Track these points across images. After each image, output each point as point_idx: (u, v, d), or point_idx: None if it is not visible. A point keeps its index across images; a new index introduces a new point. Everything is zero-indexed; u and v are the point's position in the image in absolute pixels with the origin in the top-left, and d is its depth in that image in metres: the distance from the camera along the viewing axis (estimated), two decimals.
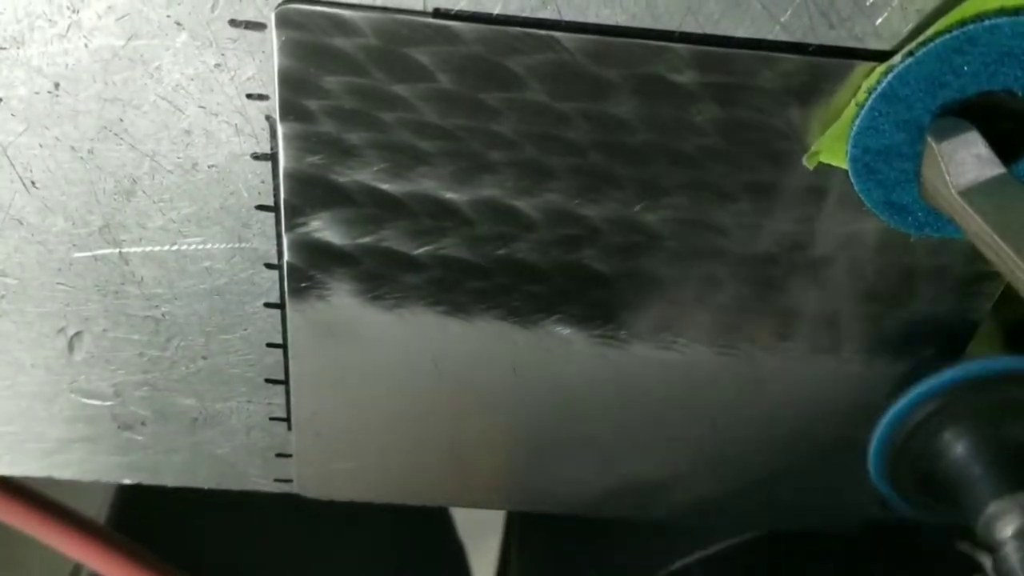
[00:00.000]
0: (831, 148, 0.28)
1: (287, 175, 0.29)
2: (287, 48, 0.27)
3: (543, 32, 0.26)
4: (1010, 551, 0.30)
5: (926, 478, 0.34)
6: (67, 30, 0.27)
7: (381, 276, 0.32)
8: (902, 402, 0.33)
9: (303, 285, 0.32)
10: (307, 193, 0.30)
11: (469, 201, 0.30)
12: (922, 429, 0.33)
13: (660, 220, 0.31)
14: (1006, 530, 0.30)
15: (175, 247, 0.32)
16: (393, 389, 0.36)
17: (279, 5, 0.26)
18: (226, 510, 0.45)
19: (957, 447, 0.33)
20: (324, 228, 0.31)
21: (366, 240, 0.31)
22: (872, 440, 0.34)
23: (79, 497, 0.45)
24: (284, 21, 0.26)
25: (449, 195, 0.30)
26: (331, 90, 0.28)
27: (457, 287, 0.32)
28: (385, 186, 0.30)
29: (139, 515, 0.51)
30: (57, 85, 0.28)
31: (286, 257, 0.32)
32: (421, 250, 0.31)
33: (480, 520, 0.53)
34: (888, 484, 0.35)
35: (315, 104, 0.28)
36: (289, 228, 0.31)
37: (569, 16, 0.26)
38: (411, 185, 0.30)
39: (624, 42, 0.27)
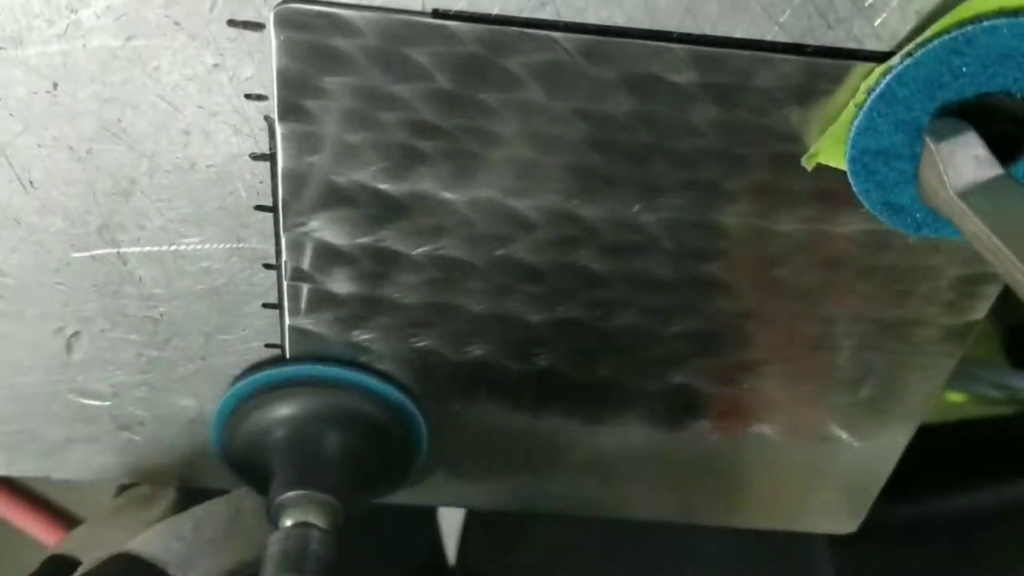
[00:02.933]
0: (830, 149, 0.28)
1: (285, 175, 0.29)
2: (286, 48, 0.27)
3: (541, 32, 0.26)
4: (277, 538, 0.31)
5: (252, 451, 0.36)
6: (65, 30, 0.27)
7: (379, 276, 0.32)
8: (251, 379, 0.35)
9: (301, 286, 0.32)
10: (305, 193, 0.30)
11: (467, 201, 0.30)
12: (261, 408, 0.35)
13: (658, 220, 0.31)
14: (286, 520, 0.32)
15: (173, 247, 0.32)
16: None
17: (278, 5, 0.26)
18: None
19: (278, 432, 0.35)
20: (323, 228, 0.31)
21: (365, 240, 0.31)
22: (217, 408, 0.36)
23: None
24: (283, 21, 0.26)
25: (447, 195, 0.30)
26: (330, 90, 0.28)
27: (455, 287, 0.32)
28: (383, 186, 0.30)
29: None
30: (55, 85, 0.28)
31: (285, 257, 0.31)
32: (419, 250, 0.31)
33: None
34: (224, 450, 0.37)
35: (314, 104, 0.28)
36: (288, 228, 0.31)
37: (567, 17, 0.26)
38: (409, 185, 0.30)
39: (622, 42, 0.27)
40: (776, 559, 0.46)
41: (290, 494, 0.32)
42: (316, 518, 0.32)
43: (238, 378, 0.35)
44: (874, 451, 0.38)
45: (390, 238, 0.31)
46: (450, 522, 0.58)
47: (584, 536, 0.46)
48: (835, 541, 0.43)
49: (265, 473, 0.34)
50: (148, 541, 0.33)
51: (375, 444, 0.35)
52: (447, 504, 0.41)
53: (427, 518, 0.58)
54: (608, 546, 0.46)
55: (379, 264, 0.32)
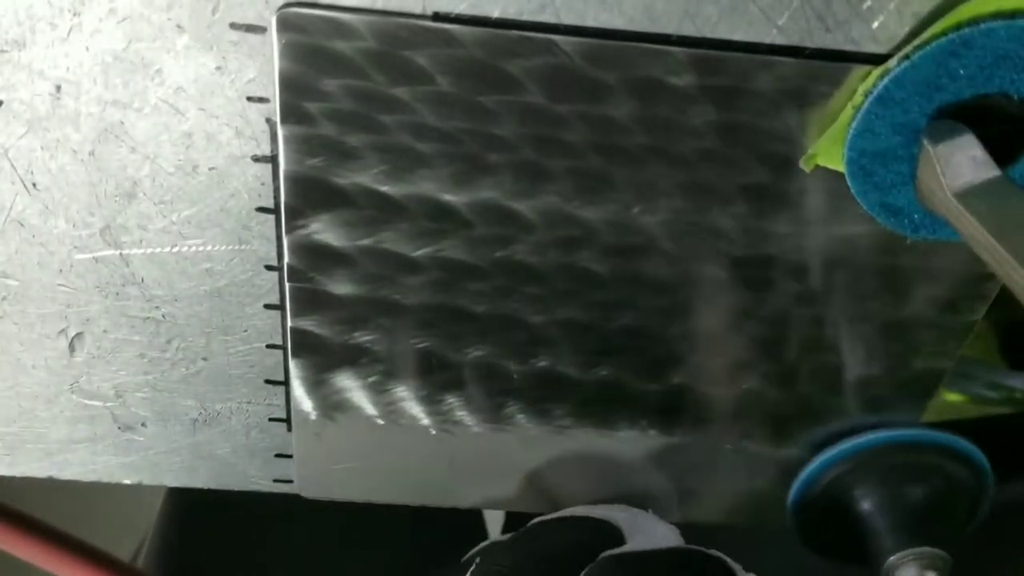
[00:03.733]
0: (827, 151, 0.28)
1: (287, 177, 0.30)
2: (288, 51, 0.27)
3: (541, 35, 0.27)
4: None
5: (837, 529, 0.38)
6: (68, 33, 0.27)
7: (381, 277, 0.32)
8: (817, 462, 0.37)
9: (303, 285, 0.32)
10: (307, 195, 0.30)
11: (468, 203, 0.30)
12: (833, 486, 0.37)
13: (657, 222, 0.31)
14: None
15: (175, 249, 0.32)
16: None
17: (280, 8, 0.26)
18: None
19: (864, 503, 0.37)
20: (324, 230, 0.31)
21: (366, 242, 0.31)
22: (790, 494, 0.38)
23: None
24: (285, 25, 0.26)
25: (448, 197, 0.30)
26: (331, 93, 0.28)
27: (456, 288, 0.32)
28: (384, 188, 0.30)
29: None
30: (58, 88, 0.28)
31: (286, 259, 0.32)
32: (421, 252, 0.32)
33: None
34: (803, 533, 0.39)
35: (315, 107, 0.28)
36: (289, 230, 0.31)
37: (567, 20, 0.27)
38: (410, 187, 0.30)
39: (622, 45, 0.27)
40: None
41: (906, 552, 0.35)
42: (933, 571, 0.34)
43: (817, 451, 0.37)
44: None
45: (391, 240, 0.31)
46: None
47: None
48: None
49: (851, 536, 0.37)
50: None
51: (954, 491, 0.38)
52: (454, 505, 0.41)
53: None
54: None
55: (380, 266, 0.32)
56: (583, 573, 0.31)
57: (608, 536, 0.33)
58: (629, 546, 0.32)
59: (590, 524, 0.34)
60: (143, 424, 0.37)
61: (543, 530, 0.35)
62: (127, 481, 0.40)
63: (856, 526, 0.37)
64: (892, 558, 0.35)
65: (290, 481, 0.40)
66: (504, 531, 0.57)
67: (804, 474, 0.37)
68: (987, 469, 0.38)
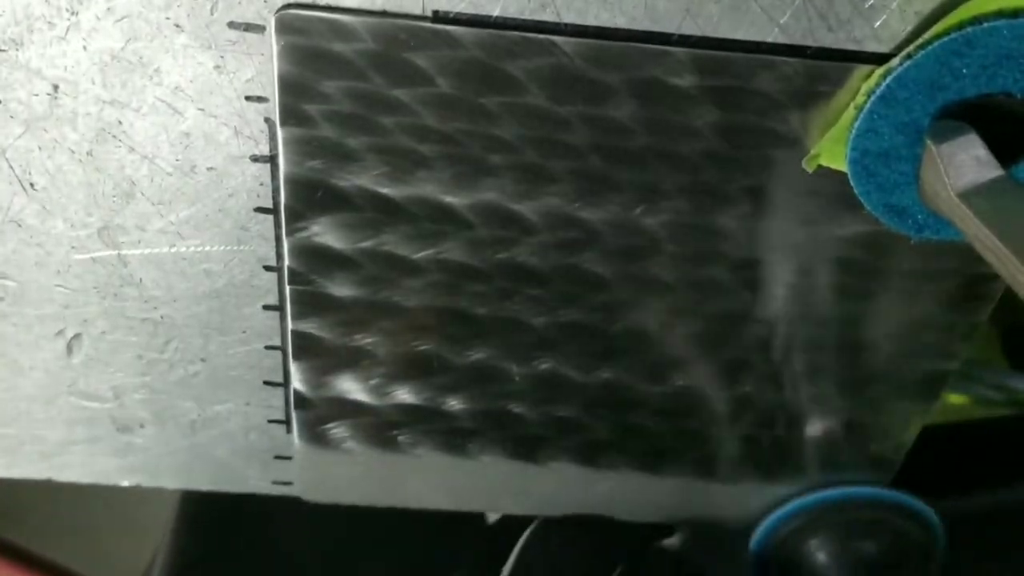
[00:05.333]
0: (830, 151, 0.28)
1: (287, 180, 0.29)
2: (287, 53, 0.27)
3: (542, 36, 0.26)
4: None
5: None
6: (66, 32, 0.27)
7: (382, 280, 0.32)
8: (776, 515, 0.39)
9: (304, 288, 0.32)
10: (307, 197, 0.30)
11: (469, 205, 0.30)
12: (792, 538, 0.40)
13: (659, 223, 0.31)
14: None
15: (174, 249, 0.32)
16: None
17: (279, 10, 0.26)
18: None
19: (819, 555, 0.40)
20: (325, 232, 0.31)
21: (367, 244, 0.31)
22: (751, 543, 0.40)
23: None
24: (284, 26, 0.26)
25: (449, 199, 0.30)
26: (331, 95, 0.28)
27: (458, 290, 0.32)
28: (385, 190, 0.30)
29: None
30: (56, 87, 0.28)
31: (287, 262, 0.31)
32: (421, 254, 0.31)
33: None
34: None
35: (315, 109, 0.28)
36: (290, 232, 0.31)
37: (568, 18, 0.26)
38: (411, 189, 0.30)
39: (623, 46, 0.27)
40: None
41: None
42: None
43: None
44: (878, 453, 0.38)
45: (392, 242, 0.31)
46: None
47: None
48: None
49: None
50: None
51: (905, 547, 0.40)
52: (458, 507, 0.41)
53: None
54: None
55: (381, 268, 0.32)
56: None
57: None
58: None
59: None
60: (141, 426, 0.37)
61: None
62: (125, 483, 0.40)
63: None
64: None
65: (289, 483, 0.40)
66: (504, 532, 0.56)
67: (763, 525, 0.39)
68: (938, 526, 0.40)
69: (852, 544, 0.40)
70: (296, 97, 0.28)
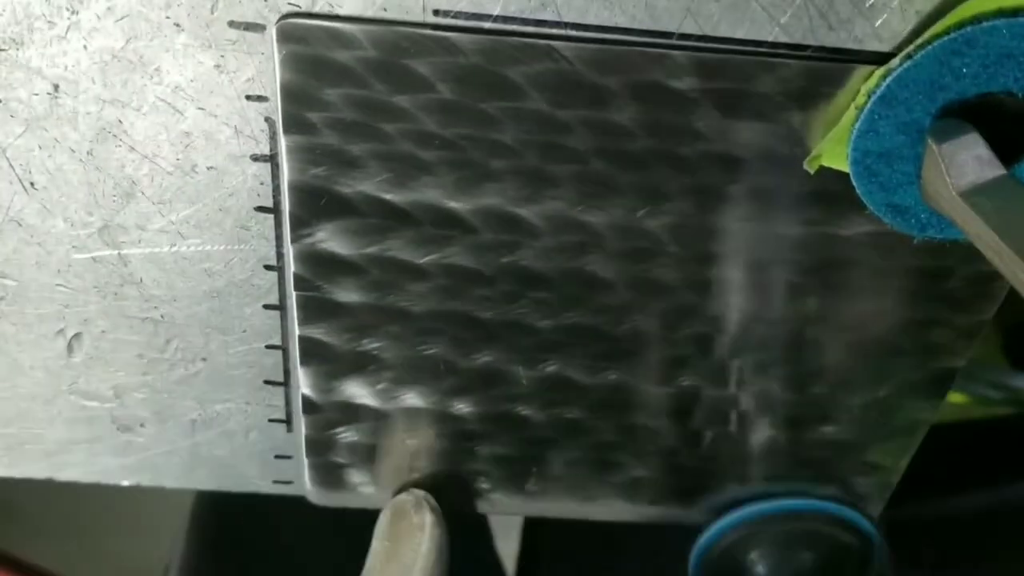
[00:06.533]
0: (832, 151, 0.28)
1: (291, 187, 0.29)
2: (289, 62, 0.27)
3: (542, 41, 0.26)
4: None
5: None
6: (66, 32, 0.27)
7: (387, 285, 0.32)
8: (715, 527, 0.40)
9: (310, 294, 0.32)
10: (312, 204, 0.30)
11: (472, 210, 0.30)
12: (732, 550, 0.40)
13: (662, 225, 0.31)
14: None
15: (174, 248, 0.32)
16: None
17: (280, 19, 0.26)
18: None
19: (759, 567, 0.40)
20: (330, 239, 0.31)
21: (372, 250, 0.31)
22: (691, 555, 0.41)
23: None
24: (285, 35, 0.26)
25: (452, 204, 0.30)
26: (333, 102, 0.28)
27: (463, 294, 0.32)
28: (389, 196, 0.30)
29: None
30: (56, 87, 0.28)
31: (292, 268, 0.32)
32: (426, 259, 0.31)
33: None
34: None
35: (317, 116, 0.28)
36: (295, 239, 0.31)
37: (569, 17, 0.26)
38: (414, 195, 0.30)
39: (623, 50, 0.27)
40: None
41: None
42: None
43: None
44: (883, 453, 0.38)
45: (397, 247, 0.31)
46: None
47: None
48: None
49: None
50: None
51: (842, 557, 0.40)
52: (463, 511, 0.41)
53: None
54: None
55: (387, 273, 0.32)
56: None
57: None
58: None
59: None
60: (142, 425, 0.37)
61: None
62: (125, 482, 0.40)
63: None
64: None
65: (290, 482, 0.40)
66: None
67: (703, 538, 0.40)
68: (874, 536, 0.40)
69: (790, 555, 0.40)
70: (299, 105, 0.28)
